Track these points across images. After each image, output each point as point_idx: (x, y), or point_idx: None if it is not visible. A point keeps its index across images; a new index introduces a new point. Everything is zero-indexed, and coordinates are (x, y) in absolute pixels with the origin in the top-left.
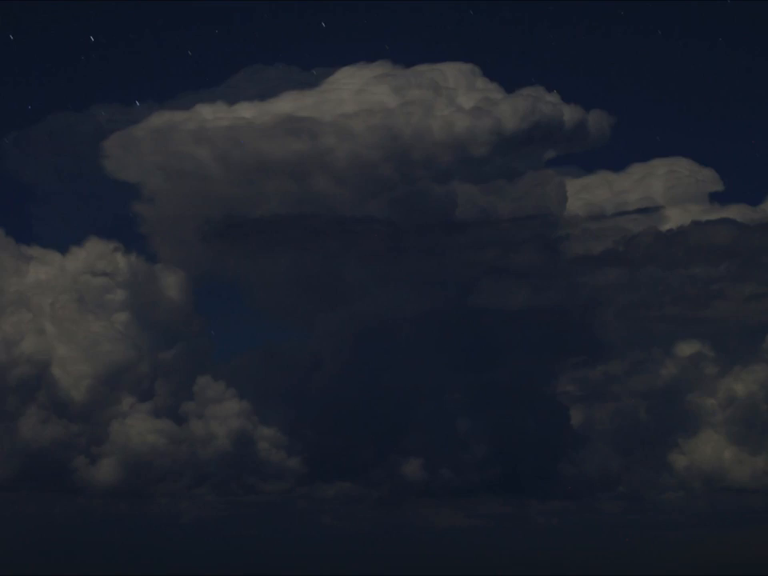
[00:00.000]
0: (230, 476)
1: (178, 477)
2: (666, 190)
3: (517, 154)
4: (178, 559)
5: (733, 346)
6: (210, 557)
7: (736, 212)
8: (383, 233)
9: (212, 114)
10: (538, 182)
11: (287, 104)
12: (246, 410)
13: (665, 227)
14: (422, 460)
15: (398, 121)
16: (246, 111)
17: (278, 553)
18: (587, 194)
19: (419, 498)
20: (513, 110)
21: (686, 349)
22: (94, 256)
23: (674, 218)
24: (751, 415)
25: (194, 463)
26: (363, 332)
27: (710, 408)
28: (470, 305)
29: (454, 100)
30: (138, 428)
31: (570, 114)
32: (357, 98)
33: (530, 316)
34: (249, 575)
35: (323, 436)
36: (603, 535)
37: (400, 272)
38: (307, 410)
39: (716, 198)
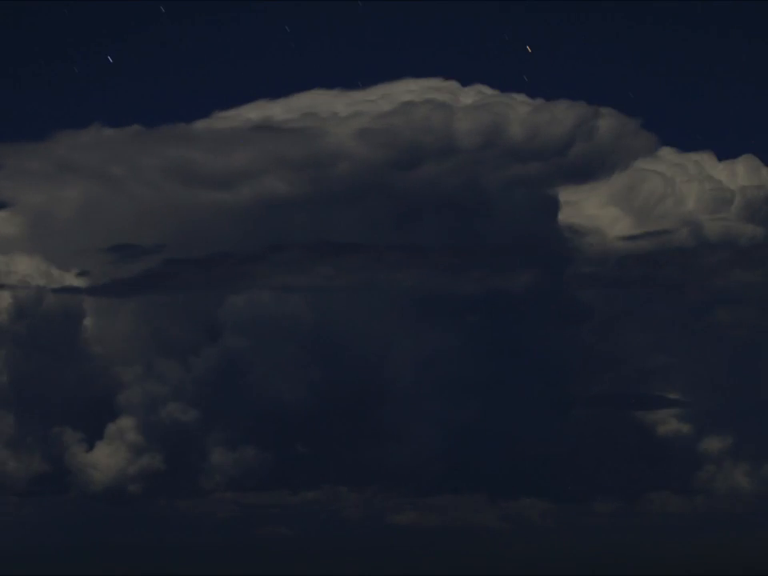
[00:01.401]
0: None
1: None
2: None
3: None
4: (206, 558)
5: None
6: (232, 556)
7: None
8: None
9: None
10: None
11: None
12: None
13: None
14: (422, 460)
15: None
16: None
17: (290, 553)
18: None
19: (421, 498)
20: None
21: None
22: None
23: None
24: None
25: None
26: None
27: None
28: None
29: None
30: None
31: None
32: None
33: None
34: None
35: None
36: (600, 536)
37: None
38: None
39: None
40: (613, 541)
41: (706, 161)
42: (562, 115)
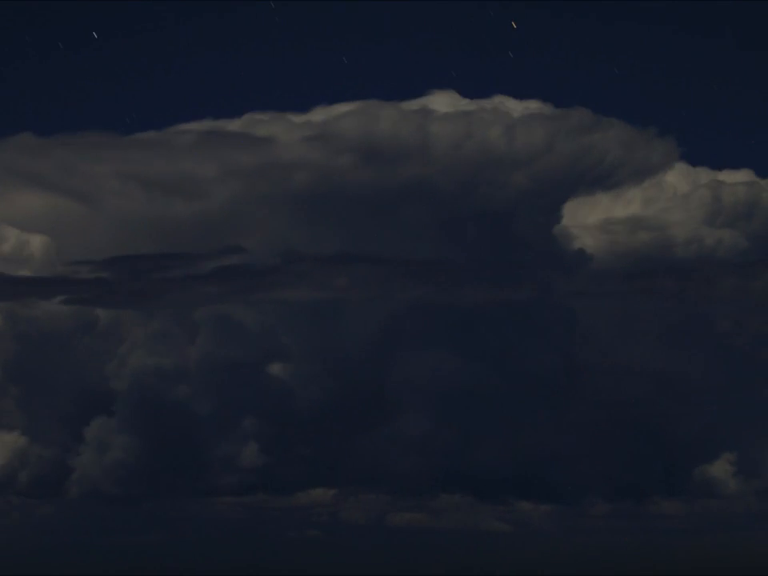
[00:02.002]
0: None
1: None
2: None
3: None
4: (208, 559)
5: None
6: (234, 556)
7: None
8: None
9: None
10: None
11: None
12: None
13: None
14: (422, 462)
15: None
16: None
17: (291, 554)
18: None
19: (420, 499)
20: None
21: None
22: None
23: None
24: None
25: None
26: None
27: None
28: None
29: None
30: None
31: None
32: None
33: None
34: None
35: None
36: (600, 538)
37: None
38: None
39: None
40: (613, 542)
41: (704, 172)
42: (563, 124)
